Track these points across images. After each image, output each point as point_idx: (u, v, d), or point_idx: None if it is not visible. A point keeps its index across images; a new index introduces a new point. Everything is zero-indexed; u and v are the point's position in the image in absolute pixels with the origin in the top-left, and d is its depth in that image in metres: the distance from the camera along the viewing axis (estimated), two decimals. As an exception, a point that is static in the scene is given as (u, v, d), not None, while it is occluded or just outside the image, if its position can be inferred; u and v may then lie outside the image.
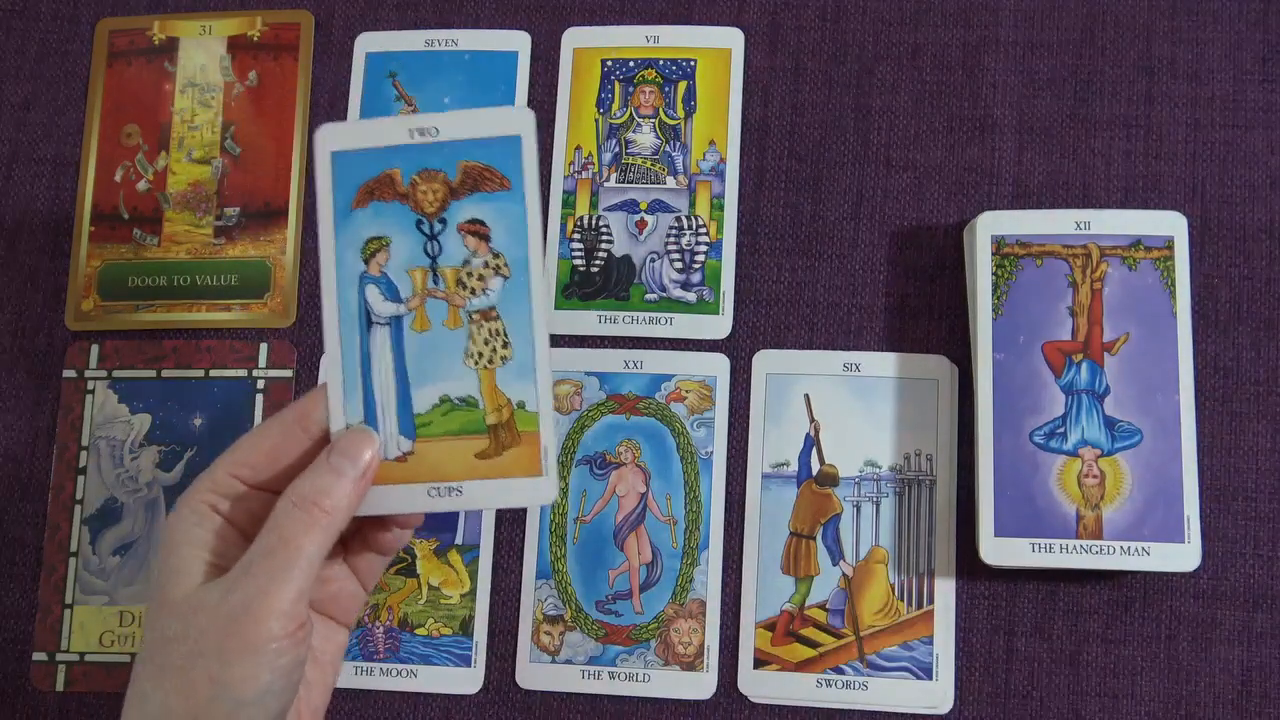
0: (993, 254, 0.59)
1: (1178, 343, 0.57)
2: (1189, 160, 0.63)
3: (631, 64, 0.66)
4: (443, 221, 0.45)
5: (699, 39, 0.66)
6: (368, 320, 0.45)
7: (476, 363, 0.45)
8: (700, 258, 0.64)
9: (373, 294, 0.45)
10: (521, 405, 0.44)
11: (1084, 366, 0.58)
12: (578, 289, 0.64)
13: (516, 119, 0.45)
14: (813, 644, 0.60)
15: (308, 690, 0.46)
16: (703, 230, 0.64)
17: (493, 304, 0.45)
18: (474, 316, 0.45)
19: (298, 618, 0.40)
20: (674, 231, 0.64)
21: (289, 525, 0.41)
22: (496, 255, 0.45)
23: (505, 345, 0.44)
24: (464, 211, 0.45)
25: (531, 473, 0.44)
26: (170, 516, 0.43)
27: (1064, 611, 0.59)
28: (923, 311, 0.62)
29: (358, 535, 0.47)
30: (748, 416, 0.62)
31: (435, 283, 0.45)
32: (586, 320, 0.64)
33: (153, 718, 0.40)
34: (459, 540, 0.62)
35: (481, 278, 0.45)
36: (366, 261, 0.45)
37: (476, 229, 0.45)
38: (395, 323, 0.45)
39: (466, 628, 0.61)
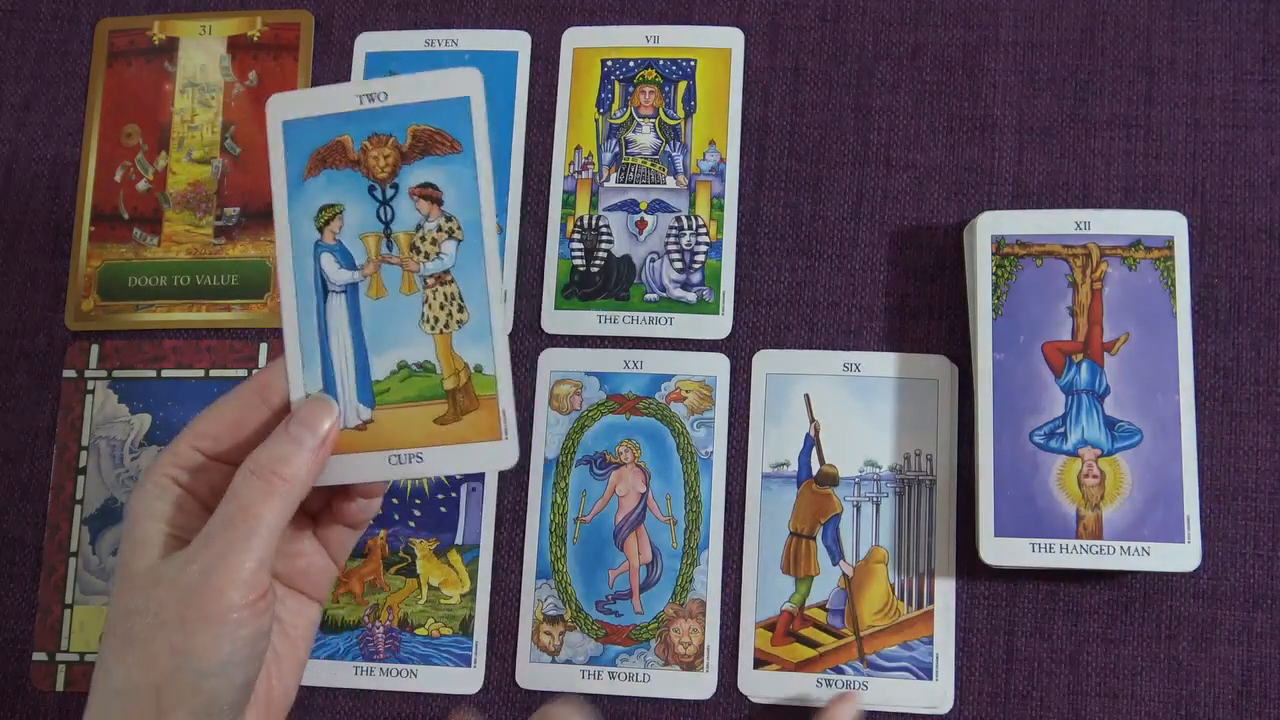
0: (993, 254, 0.59)
1: (1178, 343, 0.57)
2: (1189, 160, 0.63)
3: (631, 64, 0.66)
4: (395, 187, 0.45)
5: (699, 39, 0.66)
6: (324, 289, 0.45)
7: (433, 327, 0.44)
8: (700, 258, 0.64)
9: (328, 262, 0.45)
10: (479, 369, 0.44)
11: (1084, 366, 0.58)
12: (578, 289, 0.64)
13: (464, 80, 0.44)
14: (813, 644, 0.60)
15: (278, 664, 0.46)
16: (703, 230, 0.64)
17: (447, 268, 0.44)
18: (429, 281, 0.45)
19: (258, 587, 0.40)
20: (674, 231, 0.64)
21: (247, 494, 0.41)
22: (449, 219, 0.45)
23: (461, 309, 0.44)
24: (415, 176, 0.45)
25: (491, 437, 0.44)
26: (134, 491, 0.43)
27: (1064, 611, 0.59)
28: (923, 311, 0.62)
29: (326, 508, 0.47)
30: (748, 416, 0.62)
31: (389, 248, 0.45)
32: (586, 320, 0.64)
33: (116, 692, 0.40)
34: (459, 540, 0.62)
35: (435, 242, 0.45)
36: (321, 230, 0.45)
37: (428, 193, 0.45)
38: (351, 290, 0.45)
39: (466, 628, 0.61)
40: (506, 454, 0.44)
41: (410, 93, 0.44)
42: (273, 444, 0.42)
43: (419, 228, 0.45)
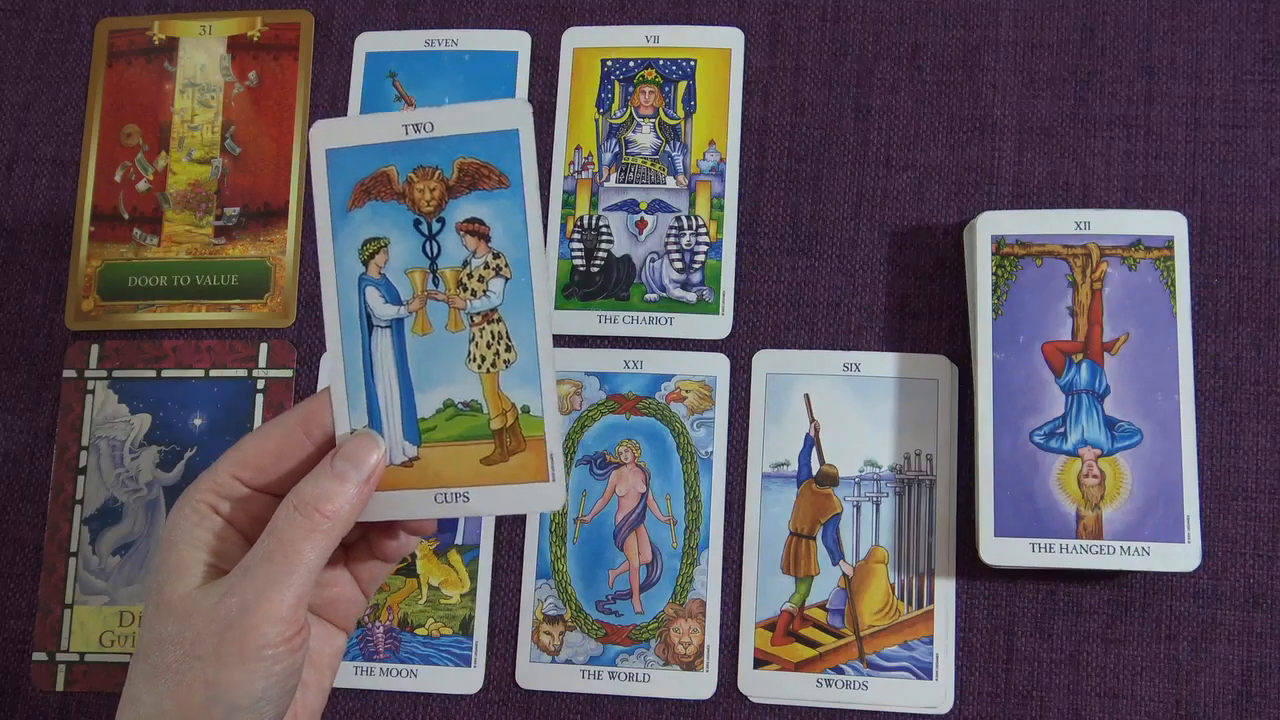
0: (993, 254, 0.59)
1: (1178, 343, 0.57)
2: (1189, 160, 0.63)
3: (631, 64, 0.66)
4: (441, 221, 0.44)
5: (699, 39, 0.66)
6: (369, 323, 0.44)
7: (479, 366, 0.44)
8: (700, 258, 0.64)
9: (373, 296, 0.44)
10: (526, 410, 0.43)
11: (1084, 366, 0.58)
12: (578, 289, 0.64)
13: (513, 112, 0.43)
14: (813, 644, 0.60)
15: (304, 692, 0.45)
16: (703, 230, 0.64)
17: (494, 306, 0.43)
18: (475, 319, 0.44)
19: (295, 624, 0.40)
20: (674, 231, 0.64)
21: (290, 530, 0.41)
22: (497, 255, 0.44)
23: (508, 349, 0.43)
24: (462, 210, 0.44)
25: (539, 478, 0.43)
26: (170, 515, 0.42)
27: (1064, 611, 0.59)
28: (923, 311, 0.62)
29: (361, 542, 0.46)
30: (748, 416, 0.62)
31: (435, 284, 0.44)
32: (586, 320, 0.64)
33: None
34: (459, 540, 0.62)
35: (482, 279, 0.44)
36: (365, 263, 0.44)
37: (476, 228, 0.44)
38: (396, 325, 0.44)
39: (466, 628, 0.61)
40: (554, 496, 0.43)
41: (457, 124, 0.43)
42: (317, 479, 0.42)
43: (466, 264, 0.44)
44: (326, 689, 0.47)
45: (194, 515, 0.42)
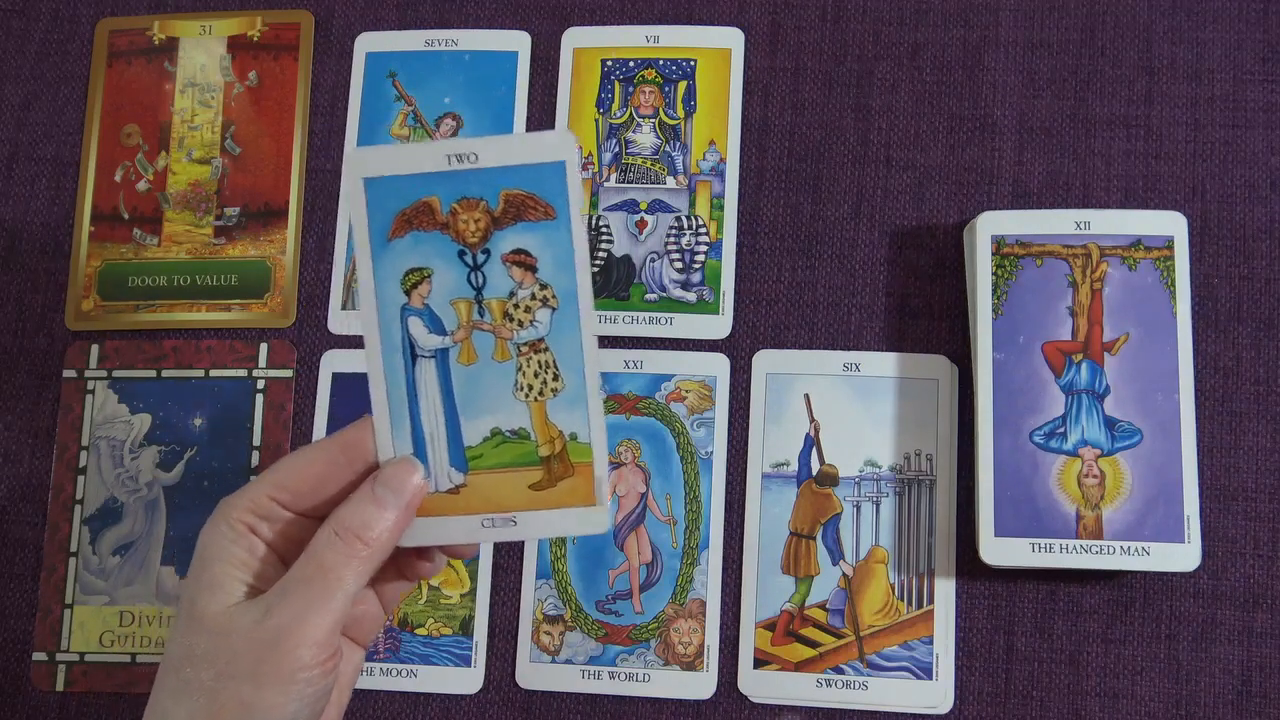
0: (993, 254, 0.59)
1: (1178, 343, 0.57)
2: (1189, 160, 0.63)
3: (631, 64, 0.66)
4: (486, 252, 0.43)
5: (699, 39, 0.66)
6: (412, 352, 0.44)
7: (527, 395, 0.43)
8: (700, 258, 0.64)
9: (416, 326, 0.43)
10: (574, 437, 0.43)
11: (1084, 366, 0.58)
12: (578, 289, 0.64)
13: (559, 144, 0.43)
14: (813, 644, 0.60)
15: (325, 710, 0.45)
16: (703, 230, 0.64)
17: (541, 336, 0.43)
18: (522, 349, 0.43)
19: (330, 647, 0.40)
20: (674, 231, 0.64)
21: (329, 555, 0.41)
22: (544, 286, 0.43)
23: (556, 378, 0.43)
24: (508, 241, 0.43)
25: (586, 502, 0.43)
26: (205, 530, 0.42)
27: (1064, 611, 0.59)
28: (923, 311, 0.62)
29: (391, 563, 0.46)
30: (748, 416, 0.62)
31: (481, 315, 0.43)
32: (586, 320, 0.63)
33: None
34: (459, 540, 0.62)
35: (529, 309, 0.43)
36: (408, 293, 0.43)
37: (522, 259, 0.43)
38: (441, 355, 0.44)
39: (466, 628, 0.61)
40: (600, 519, 0.44)
41: (502, 154, 0.43)
42: (357, 505, 0.42)
43: (512, 295, 0.43)
44: (344, 706, 0.47)
45: (230, 533, 0.42)
